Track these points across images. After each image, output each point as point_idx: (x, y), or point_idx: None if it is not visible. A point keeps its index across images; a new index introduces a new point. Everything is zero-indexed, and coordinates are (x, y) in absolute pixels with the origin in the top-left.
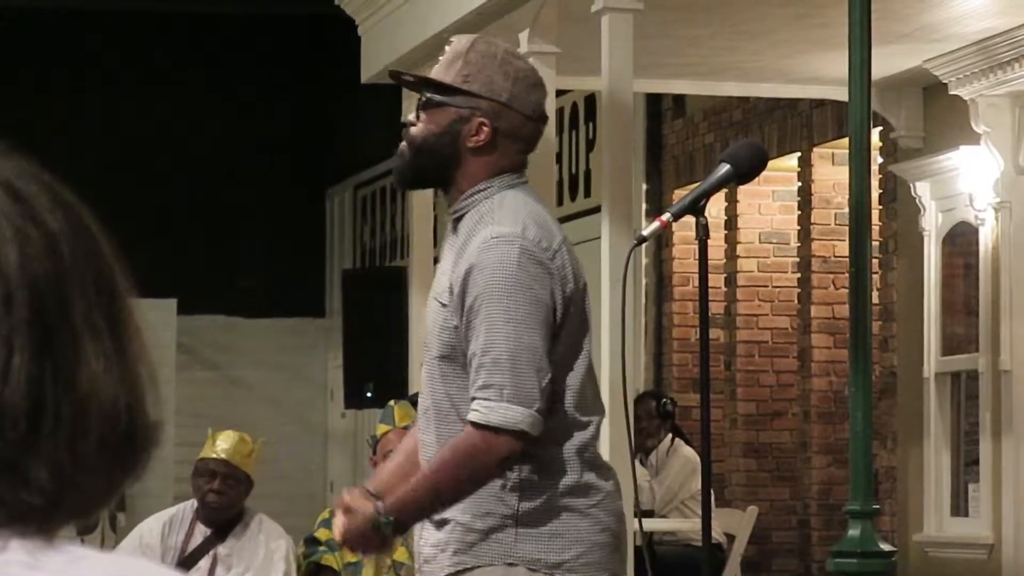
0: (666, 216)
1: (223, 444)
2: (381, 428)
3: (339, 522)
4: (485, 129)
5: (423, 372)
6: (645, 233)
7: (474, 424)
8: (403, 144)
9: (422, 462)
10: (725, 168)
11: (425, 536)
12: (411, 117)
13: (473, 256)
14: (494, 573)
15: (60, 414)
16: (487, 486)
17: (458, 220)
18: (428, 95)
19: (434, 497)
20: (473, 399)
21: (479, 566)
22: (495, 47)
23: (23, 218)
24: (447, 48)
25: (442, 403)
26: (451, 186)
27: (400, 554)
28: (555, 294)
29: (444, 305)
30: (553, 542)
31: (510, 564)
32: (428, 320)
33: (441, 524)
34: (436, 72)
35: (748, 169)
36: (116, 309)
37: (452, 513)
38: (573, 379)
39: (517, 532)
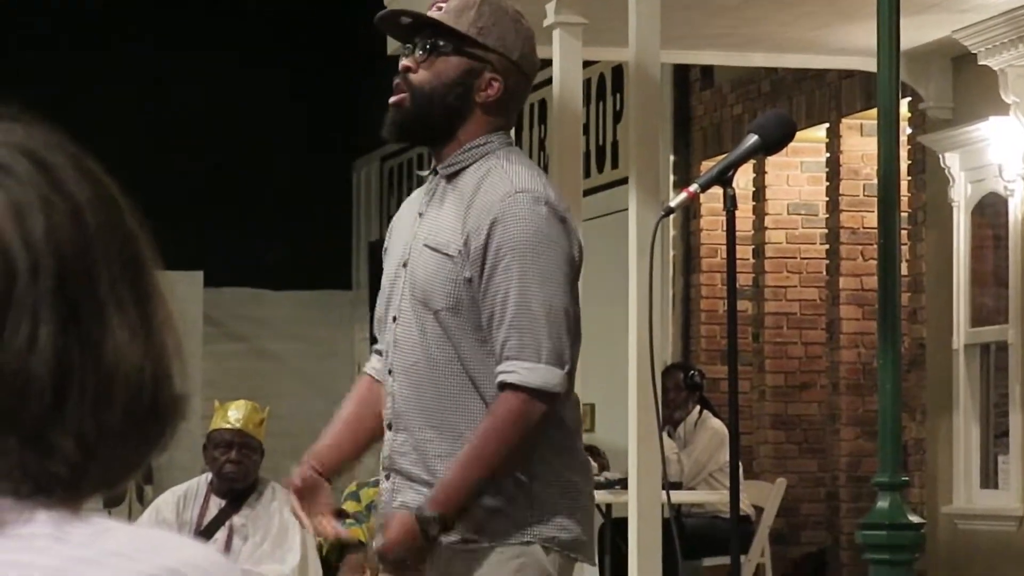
0: (693, 187)
1: (236, 414)
2: None
3: (378, 542)
4: (496, 84)
5: (398, 325)
6: (672, 204)
7: (513, 387)
8: (399, 96)
9: (389, 417)
10: (753, 139)
11: (400, 497)
12: (407, 62)
13: (495, 209)
14: (511, 552)
15: (85, 384)
16: None
17: (454, 174)
18: (439, 41)
19: (486, 472)
20: (507, 359)
21: (494, 546)
22: (504, 2)
23: (49, 188)
24: None
25: (441, 357)
26: (449, 140)
27: None
28: (575, 255)
29: (449, 256)
30: (564, 520)
31: (526, 543)
32: (418, 272)
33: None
34: (446, 19)
35: (776, 140)
36: (142, 279)
37: None
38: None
39: (531, 510)
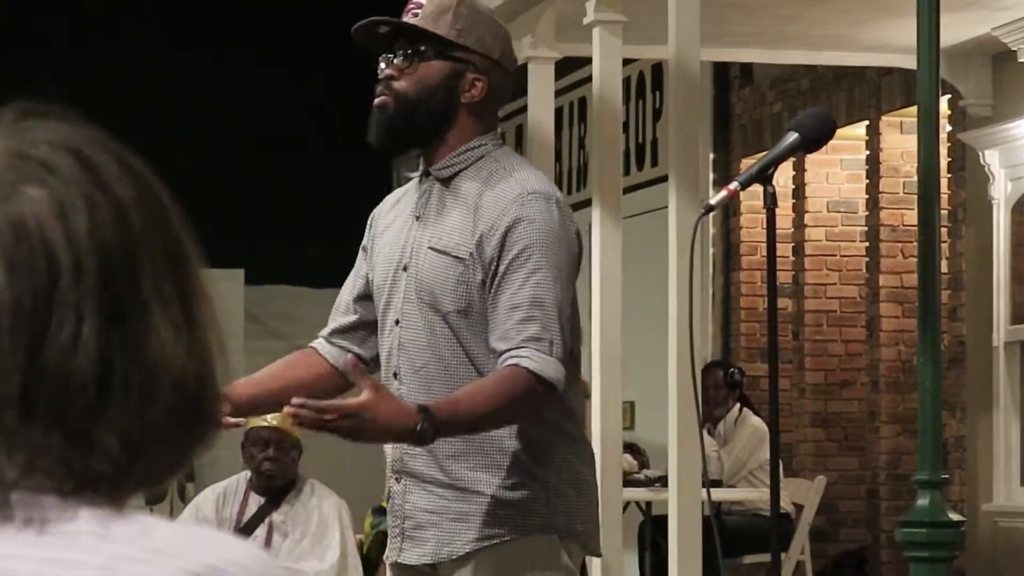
0: (734, 185)
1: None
2: None
3: (354, 404)
4: (479, 84)
5: (402, 329)
6: (712, 202)
7: (529, 371)
8: (383, 98)
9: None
10: (793, 136)
11: (413, 499)
12: (389, 71)
13: (510, 211)
14: (533, 544)
15: (129, 382)
16: (515, 455)
17: (449, 178)
18: (420, 47)
19: (482, 419)
20: (520, 346)
21: (516, 538)
22: (479, 3)
23: (93, 186)
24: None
25: (452, 359)
26: (438, 144)
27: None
28: (578, 253)
29: (459, 259)
30: (579, 512)
31: (546, 534)
32: (425, 275)
33: (455, 492)
34: (424, 23)
35: (816, 138)
36: (185, 278)
37: (474, 483)
38: (578, 345)
39: (549, 501)
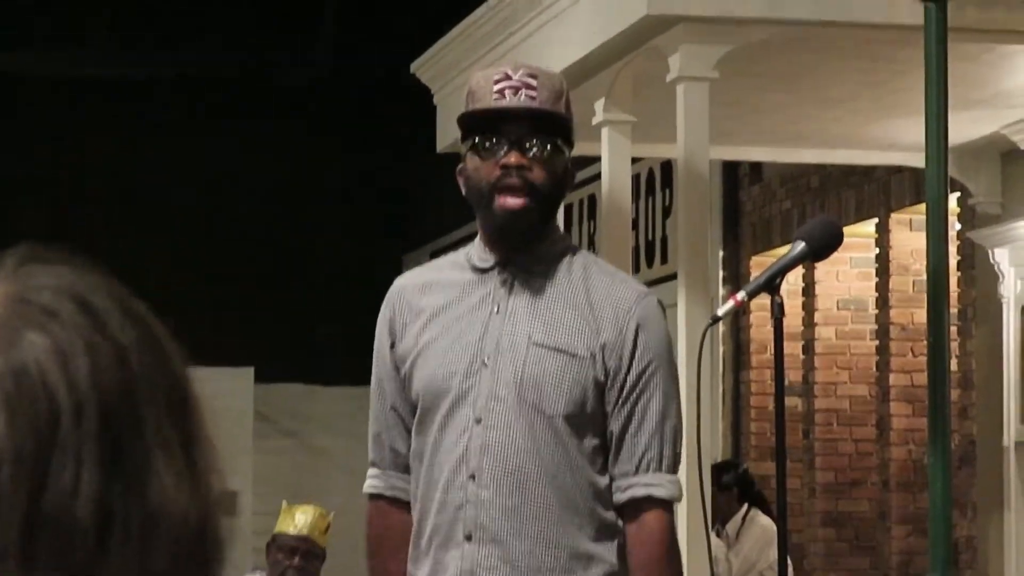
0: (741, 295)
1: (303, 519)
2: None
3: None
4: (573, 173)
5: (488, 429)
6: (720, 312)
7: (660, 501)
8: (522, 200)
9: (469, 528)
10: (801, 246)
11: None
12: (523, 159)
13: (636, 312)
14: None
15: (130, 528)
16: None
17: (536, 270)
18: (556, 136)
19: None
20: (648, 470)
21: None
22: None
23: (94, 332)
24: (531, 76)
25: (552, 462)
26: (544, 236)
27: None
28: None
29: (576, 356)
30: None
31: None
32: (530, 372)
33: None
34: (555, 108)
35: (823, 247)
36: (187, 422)
37: None
38: None
39: None
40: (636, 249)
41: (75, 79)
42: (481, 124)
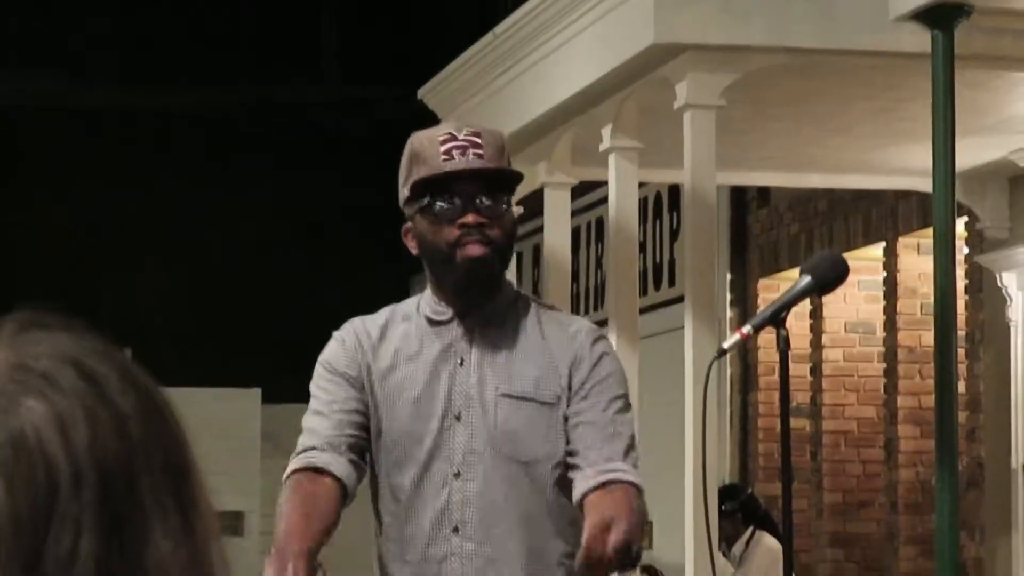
0: (747, 328)
1: None
2: None
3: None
4: (517, 226)
5: (466, 482)
6: (726, 346)
7: (637, 487)
8: (484, 251)
9: (457, 572)
10: (806, 280)
11: None
12: (481, 218)
13: (596, 347)
14: None
15: None
16: (566, 564)
17: (493, 320)
18: (506, 193)
19: (639, 528)
20: (617, 458)
21: None
22: None
23: (93, 398)
24: (475, 135)
25: (534, 509)
26: (500, 286)
27: None
28: None
29: (548, 404)
30: None
31: None
32: (504, 424)
33: None
34: (493, 163)
35: (829, 281)
36: (185, 488)
37: None
38: None
39: None
40: (644, 271)
41: (77, 112)
42: (431, 186)
